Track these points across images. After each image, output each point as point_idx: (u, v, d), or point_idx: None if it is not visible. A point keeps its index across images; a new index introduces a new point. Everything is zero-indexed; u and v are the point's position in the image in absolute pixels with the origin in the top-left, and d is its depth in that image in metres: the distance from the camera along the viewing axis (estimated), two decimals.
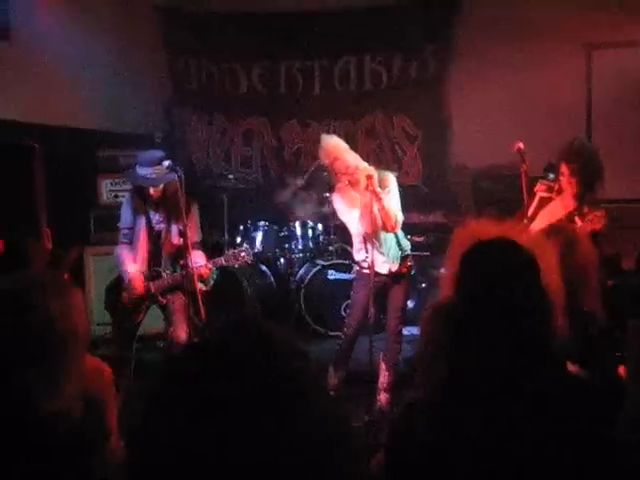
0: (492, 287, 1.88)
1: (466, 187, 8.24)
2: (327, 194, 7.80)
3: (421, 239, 7.24)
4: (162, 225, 5.14)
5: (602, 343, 2.98)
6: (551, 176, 7.26)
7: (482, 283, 1.91)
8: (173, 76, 9.32)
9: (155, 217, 5.14)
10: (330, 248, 7.72)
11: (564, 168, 4.88)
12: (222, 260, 5.14)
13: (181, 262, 4.98)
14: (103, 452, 2.32)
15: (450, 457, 1.78)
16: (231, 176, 8.39)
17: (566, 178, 4.87)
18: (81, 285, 6.24)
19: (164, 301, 5.10)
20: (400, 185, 5.25)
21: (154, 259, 5.15)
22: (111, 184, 7.03)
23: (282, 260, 7.95)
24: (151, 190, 5.05)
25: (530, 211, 5.06)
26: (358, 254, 5.20)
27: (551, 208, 4.95)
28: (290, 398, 1.11)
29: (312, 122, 9.17)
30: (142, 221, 5.12)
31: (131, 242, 5.15)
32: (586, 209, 4.77)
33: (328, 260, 7.48)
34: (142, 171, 4.99)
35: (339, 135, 5.33)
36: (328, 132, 8.99)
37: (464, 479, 1.77)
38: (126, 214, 5.15)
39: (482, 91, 8.03)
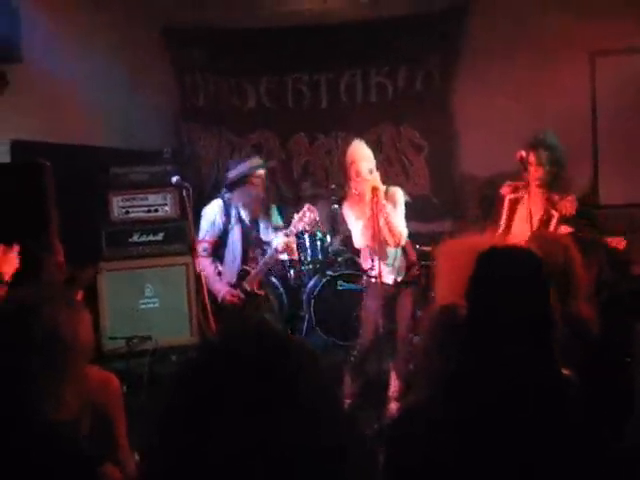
0: (506, 295, 1.91)
1: (473, 196, 8.27)
2: (335, 206, 7.87)
3: (429, 248, 7.26)
4: (252, 226, 5.30)
5: (599, 348, 3.00)
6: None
7: (496, 291, 1.93)
8: (181, 92, 9.39)
9: (246, 220, 5.29)
10: (339, 259, 7.77)
11: (532, 157, 4.93)
12: (292, 228, 5.21)
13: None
14: (112, 463, 2.37)
15: (448, 460, 1.82)
16: None
17: (534, 167, 4.92)
18: (94, 300, 6.30)
19: (262, 292, 5.24)
20: (408, 195, 5.29)
21: (245, 259, 5.28)
22: (122, 200, 7.10)
23: (292, 271, 8.00)
24: (253, 192, 5.20)
25: (503, 218, 5.05)
26: (365, 263, 5.25)
27: (525, 211, 4.95)
28: (306, 402, 1.15)
29: (319, 135, 9.24)
30: (237, 229, 5.24)
31: (210, 255, 5.23)
32: (556, 197, 4.87)
33: (337, 271, 7.54)
34: (236, 170, 5.24)
35: (346, 147, 5.36)
36: (336, 144, 9.12)
37: None
38: (209, 226, 5.24)
39: (488, 100, 8.09)
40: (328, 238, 7.94)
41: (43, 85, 6.91)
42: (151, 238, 7.04)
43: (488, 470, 1.78)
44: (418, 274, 5.33)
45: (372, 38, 8.72)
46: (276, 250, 5.21)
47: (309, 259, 7.90)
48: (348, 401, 5.18)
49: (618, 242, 4.98)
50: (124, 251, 6.98)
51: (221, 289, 5.18)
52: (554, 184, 4.93)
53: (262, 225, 5.39)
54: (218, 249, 5.24)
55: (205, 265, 5.19)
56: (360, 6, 8.60)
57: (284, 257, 5.37)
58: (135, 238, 7.02)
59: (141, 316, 6.82)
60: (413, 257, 5.28)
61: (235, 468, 1.10)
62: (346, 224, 5.46)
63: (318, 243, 7.89)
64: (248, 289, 5.20)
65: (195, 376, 1.19)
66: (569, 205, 4.80)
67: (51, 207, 5.13)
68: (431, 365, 2.32)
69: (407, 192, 5.33)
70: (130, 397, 2.76)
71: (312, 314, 7.37)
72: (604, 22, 7.81)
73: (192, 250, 4.98)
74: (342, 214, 5.47)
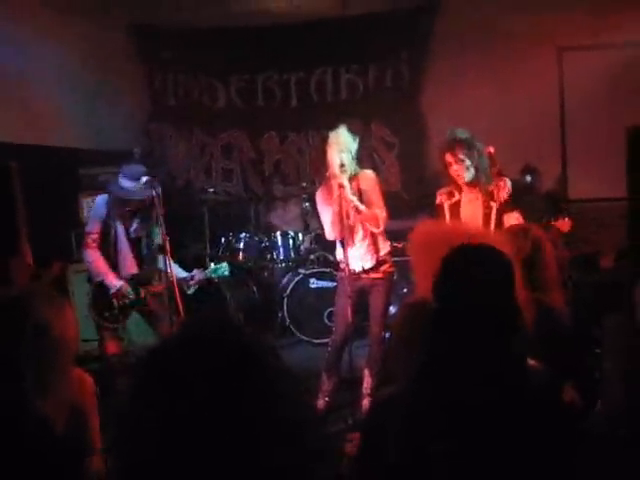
0: (473, 294, 1.94)
1: None
2: (306, 204, 7.88)
3: (401, 245, 7.29)
4: (140, 233, 5.21)
5: (572, 340, 3.04)
6: (528, 178, 7.36)
7: (464, 290, 1.97)
8: (151, 92, 9.36)
9: (133, 225, 5.20)
10: (311, 257, 7.79)
11: (449, 157, 4.90)
12: (201, 274, 5.31)
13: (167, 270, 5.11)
14: (86, 459, 2.39)
15: (421, 450, 1.84)
16: (211, 189, 8.46)
17: (453, 166, 4.89)
18: None
19: (151, 304, 5.20)
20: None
21: (136, 266, 5.23)
22: (92, 202, 7.05)
23: (265, 270, 8.01)
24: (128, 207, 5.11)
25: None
26: (337, 252, 5.28)
27: (468, 211, 4.94)
28: (267, 397, 1.14)
29: (290, 133, 9.25)
30: (121, 229, 5.18)
31: (99, 247, 5.18)
32: (490, 187, 4.88)
33: (310, 269, 7.55)
34: (125, 183, 5.06)
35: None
36: (307, 143, 9.12)
37: (435, 470, 1.83)
38: (98, 220, 5.17)
39: (457, 96, 8.13)
40: (300, 236, 7.95)
41: (10, 85, 6.85)
42: None
43: (459, 456, 1.81)
44: (390, 271, 5.34)
45: (342, 36, 8.74)
46: (191, 278, 5.27)
47: (281, 257, 7.91)
48: (326, 399, 5.20)
49: (503, 189, 4.91)
50: None
51: (117, 283, 5.14)
52: (480, 177, 4.93)
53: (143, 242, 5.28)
54: (103, 242, 5.22)
55: (97, 257, 5.18)
56: (330, 4, 8.62)
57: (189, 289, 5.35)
58: None
59: None
60: (387, 252, 5.31)
61: (196, 460, 1.09)
62: (319, 220, 5.49)
63: (290, 241, 7.90)
64: (142, 295, 5.19)
65: (152, 373, 1.19)
66: (502, 190, 4.85)
67: (19, 208, 5.08)
68: (402, 357, 2.34)
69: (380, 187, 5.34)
70: (102, 399, 2.76)
71: (285, 313, 7.37)
72: (571, 18, 7.90)
73: (162, 248, 4.98)
74: (315, 203, 5.46)
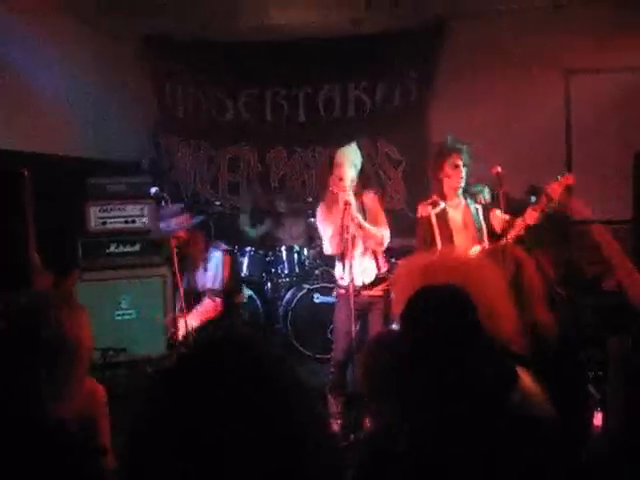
0: (432, 335, 2.00)
1: None
2: (312, 219, 7.90)
3: None
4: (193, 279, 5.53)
5: (563, 359, 3.04)
6: (533, 199, 7.38)
7: (424, 331, 2.02)
8: (160, 103, 9.41)
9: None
10: (316, 272, 7.80)
11: (457, 160, 5.01)
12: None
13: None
14: (102, 459, 2.40)
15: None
16: (218, 202, 8.49)
17: (458, 170, 4.98)
18: None
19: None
20: (384, 210, 5.33)
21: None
22: (99, 211, 7.07)
23: (269, 284, 8.02)
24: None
25: (437, 234, 5.04)
26: (336, 269, 5.27)
27: (457, 216, 5.05)
28: (281, 409, 1.16)
29: (297, 148, 9.30)
30: (185, 279, 5.51)
31: None
32: (471, 190, 5.07)
33: (314, 284, 7.57)
34: (163, 225, 5.34)
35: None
36: (313, 158, 9.15)
37: None
38: None
39: (464, 116, 8.15)
40: (305, 251, 7.97)
41: (20, 94, 6.89)
42: (128, 249, 7.00)
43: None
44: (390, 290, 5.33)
45: (351, 53, 8.80)
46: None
47: (285, 272, 7.92)
48: (338, 421, 5.13)
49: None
50: (100, 262, 6.93)
51: None
52: (469, 183, 5.05)
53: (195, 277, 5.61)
54: None
55: None
56: (340, 21, 8.66)
57: None
58: (112, 249, 6.99)
59: (117, 328, 6.77)
60: (387, 270, 5.30)
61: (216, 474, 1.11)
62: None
63: (295, 256, 7.92)
64: None
65: (167, 387, 1.20)
66: (479, 195, 4.96)
67: (28, 216, 5.11)
68: (369, 387, 2.39)
69: (383, 207, 5.37)
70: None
71: (288, 327, 7.38)
72: (579, 41, 7.95)
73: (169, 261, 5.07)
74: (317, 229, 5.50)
